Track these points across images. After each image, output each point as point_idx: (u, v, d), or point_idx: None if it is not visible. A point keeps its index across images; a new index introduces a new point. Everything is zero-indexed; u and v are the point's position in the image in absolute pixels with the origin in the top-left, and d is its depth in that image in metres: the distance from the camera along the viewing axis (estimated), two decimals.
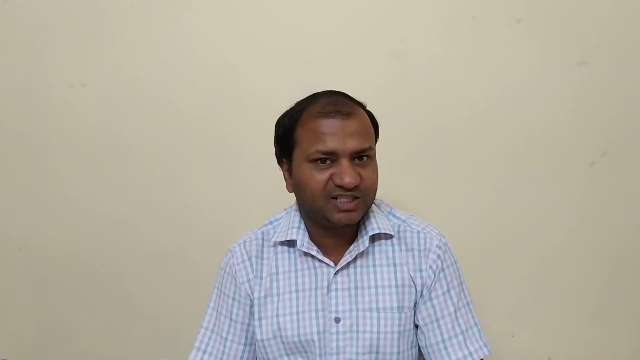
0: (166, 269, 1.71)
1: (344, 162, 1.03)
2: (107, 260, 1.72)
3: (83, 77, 1.66)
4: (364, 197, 1.05)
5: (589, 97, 1.57)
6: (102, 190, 1.70)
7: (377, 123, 1.15)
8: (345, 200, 1.04)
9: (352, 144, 1.03)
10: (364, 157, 1.06)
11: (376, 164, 1.10)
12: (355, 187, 1.03)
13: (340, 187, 1.02)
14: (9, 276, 1.76)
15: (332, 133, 1.03)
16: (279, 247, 1.16)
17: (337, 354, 1.08)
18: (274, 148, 1.18)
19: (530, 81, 1.57)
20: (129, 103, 1.66)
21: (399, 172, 1.60)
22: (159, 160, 1.67)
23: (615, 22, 1.55)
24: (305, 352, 1.10)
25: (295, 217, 1.15)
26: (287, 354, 1.10)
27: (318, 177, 1.04)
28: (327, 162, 1.04)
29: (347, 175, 1.02)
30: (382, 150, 1.56)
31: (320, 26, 1.60)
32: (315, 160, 1.04)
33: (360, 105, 1.12)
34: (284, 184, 1.14)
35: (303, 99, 1.12)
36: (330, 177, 1.03)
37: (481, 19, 1.56)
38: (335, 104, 1.06)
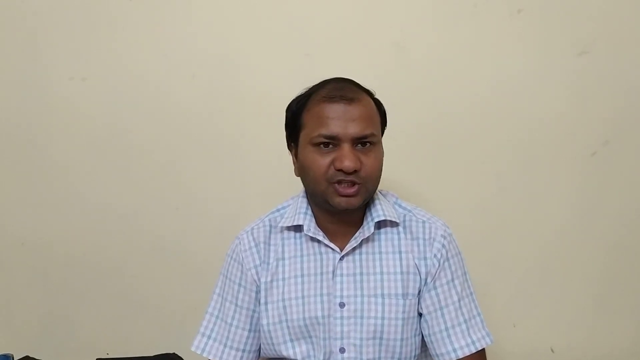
0: (169, 262, 1.71)
1: (345, 147, 1.04)
2: (110, 254, 1.72)
3: (83, 71, 1.66)
4: (364, 183, 1.06)
5: (590, 86, 1.56)
6: (104, 184, 1.70)
7: (384, 111, 1.16)
8: (345, 185, 1.05)
9: (354, 129, 1.04)
10: (366, 143, 1.07)
11: (380, 151, 1.11)
12: (356, 173, 1.04)
13: (341, 171, 1.03)
14: (12, 270, 1.76)
15: (335, 117, 1.04)
16: (286, 233, 1.17)
17: (342, 338, 1.09)
18: (284, 133, 1.19)
19: (531, 71, 1.56)
20: (130, 97, 1.66)
21: (400, 162, 1.60)
22: (160, 153, 1.67)
23: (616, 11, 1.54)
24: (310, 337, 1.10)
25: (303, 203, 1.16)
26: (292, 340, 1.11)
27: (320, 161, 1.05)
28: (329, 146, 1.05)
29: (346, 159, 1.03)
30: (384, 141, 1.56)
31: (319, 18, 1.59)
32: (318, 144, 1.06)
33: (368, 92, 1.13)
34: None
35: (312, 86, 1.14)
36: (332, 162, 1.04)
37: (482, 8, 1.55)
38: (341, 89, 1.07)
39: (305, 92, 1.14)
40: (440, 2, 1.57)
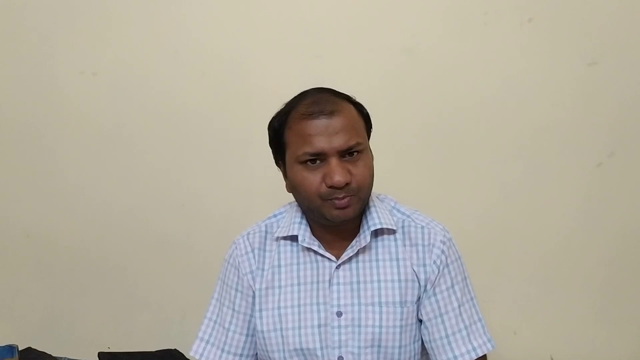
0: (172, 258, 1.72)
1: (333, 161, 1.03)
2: (113, 249, 1.74)
3: (94, 66, 1.67)
4: (357, 193, 1.05)
5: (598, 97, 1.56)
6: (110, 180, 1.71)
7: (367, 114, 1.13)
8: (339, 197, 1.03)
9: (339, 142, 1.02)
10: (353, 152, 1.05)
11: (369, 157, 1.09)
12: (347, 185, 1.03)
13: (332, 187, 1.02)
14: (16, 262, 1.78)
15: (318, 134, 1.02)
16: (282, 241, 1.16)
17: (339, 347, 1.08)
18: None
19: (539, 80, 1.57)
20: (139, 93, 1.67)
21: (406, 167, 1.61)
22: (167, 150, 1.69)
23: (627, 23, 1.54)
24: (304, 348, 1.10)
25: (298, 212, 1.16)
26: (286, 349, 1.11)
27: (310, 178, 1.04)
28: (317, 162, 1.04)
29: (336, 174, 1.01)
30: (390, 145, 1.57)
31: (331, 20, 1.60)
32: (305, 162, 1.04)
33: (348, 98, 1.10)
34: None
35: (290, 100, 1.11)
36: (323, 178, 1.03)
37: (493, 16, 1.56)
38: (318, 103, 1.05)
39: (284, 108, 1.11)
40: (452, 9, 1.57)
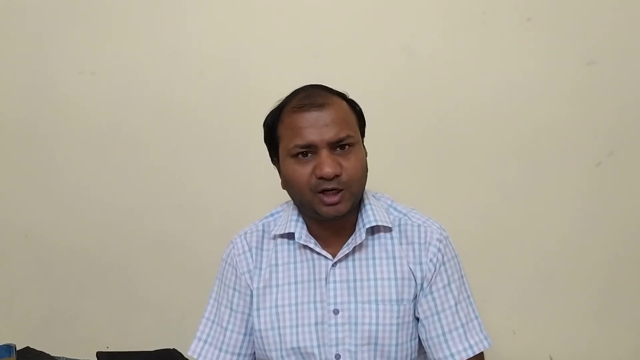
0: (171, 258, 1.72)
1: (323, 153, 1.03)
2: (112, 249, 1.74)
3: (93, 66, 1.68)
4: (348, 187, 1.05)
5: (597, 96, 1.56)
6: (109, 179, 1.71)
7: (360, 110, 1.14)
8: (330, 193, 1.04)
9: (329, 134, 1.03)
10: (345, 145, 1.05)
11: (361, 152, 1.09)
12: (337, 178, 1.03)
13: (322, 178, 1.02)
14: (15, 262, 1.78)
15: (308, 126, 1.03)
16: (279, 240, 1.17)
17: (336, 345, 1.09)
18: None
19: (538, 79, 1.57)
20: (138, 93, 1.68)
21: (404, 167, 1.61)
22: (165, 151, 1.69)
23: (626, 22, 1.54)
24: (301, 346, 1.10)
25: (295, 211, 1.16)
26: (284, 348, 1.11)
27: (301, 170, 1.05)
28: (308, 155, 1.05)
29: (326, 165, 1.02)
30: (389, 144, 1.57)
31: (329, 20, 1.60)
32: (296, 155, 1.05)
33: (340, 95, 1.11)
34: None
35: (285, 97, 1.12)
36: (313, 170, 1.04)
37: (492, 15, 1.56)
38: (310, 97, 1.06)
39: (278, 104, 1.12)
40: (451, 9, 1.57)
